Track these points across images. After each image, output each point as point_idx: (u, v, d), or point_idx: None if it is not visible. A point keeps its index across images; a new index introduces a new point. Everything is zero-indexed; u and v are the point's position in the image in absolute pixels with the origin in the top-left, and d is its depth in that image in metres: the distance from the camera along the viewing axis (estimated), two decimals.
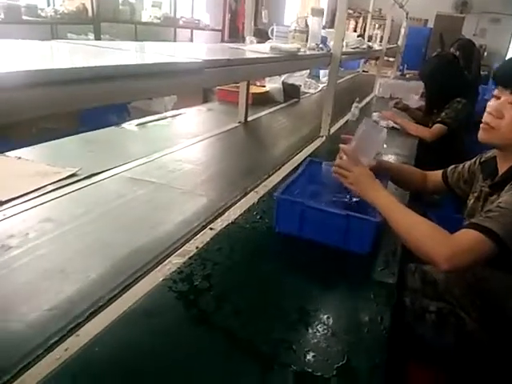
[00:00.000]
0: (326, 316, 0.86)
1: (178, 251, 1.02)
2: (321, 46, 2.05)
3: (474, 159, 1.32)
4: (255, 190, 1.47)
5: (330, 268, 1.06)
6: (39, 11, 3.32)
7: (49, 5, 3.61)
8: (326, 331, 0.82)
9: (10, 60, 0.67)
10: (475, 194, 1.23)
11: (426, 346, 1.20)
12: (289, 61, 1.50)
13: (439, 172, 1.41)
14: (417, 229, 0.98)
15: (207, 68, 0.92)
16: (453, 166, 1.38)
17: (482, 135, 1.11)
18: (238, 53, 1.34)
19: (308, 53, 1.79)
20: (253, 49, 1.51)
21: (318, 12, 1.95)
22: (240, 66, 1.08)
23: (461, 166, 1.35)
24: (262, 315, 0.84)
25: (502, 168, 1.12)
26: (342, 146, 1.18)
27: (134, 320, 0.78)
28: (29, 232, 1.02)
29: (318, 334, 0.81)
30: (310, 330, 0.82)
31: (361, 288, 0.99)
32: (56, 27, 3.65)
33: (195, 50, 1.42)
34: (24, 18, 3.16)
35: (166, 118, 2.25)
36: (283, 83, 3.20)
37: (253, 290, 0.93)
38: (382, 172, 1.26)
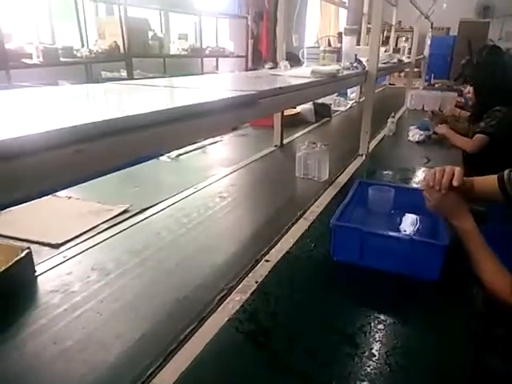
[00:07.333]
0: (406, 352, 0.81)
1: (238, 287, 0.99)
2: (355, 64, 2.03)
3: None
4: (304, 216, 1.43)
5: (399, 297, 1.00)
6: (75, 52, 3.48)
7: (83, 45, 3.78)
8: (408, 369, 0.77)
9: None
10: None
11: (498, 380, 1.10)
12: (330, 83, 1.48)
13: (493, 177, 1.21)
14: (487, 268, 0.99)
15: (261, 98, 0.91)
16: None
17: None
18: (283, 80, 1.33)
19: (345, 73, 1.77)
20: (292, 74, 1.50)
21: (351, 31, 1.94)
22: (290, 93, 1.07)
23: None
24: (338, 355, 0.79)
25: None
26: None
27: (205, 367, 0.75)
28: (90, 274, 1.02)
29: (399, 373, 0.76)
30: (393, 370, 0.76)
31: (436, 318, 0.93)
32: (90, 66, 3.81)
33: (240, 80, 1.43)
34: (61, 59, 3.31)
35: (203, 146, 2.27)
36: (314, 103, 3.19)
37: (322, 325, 0.88)
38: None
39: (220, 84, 1.24)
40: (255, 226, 1.37)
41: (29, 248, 0.98)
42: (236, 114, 0.87)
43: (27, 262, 0.98)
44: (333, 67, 1.57)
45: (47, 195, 1.44)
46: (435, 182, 1.08)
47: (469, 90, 2.50)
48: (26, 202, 1.35)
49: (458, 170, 1.08)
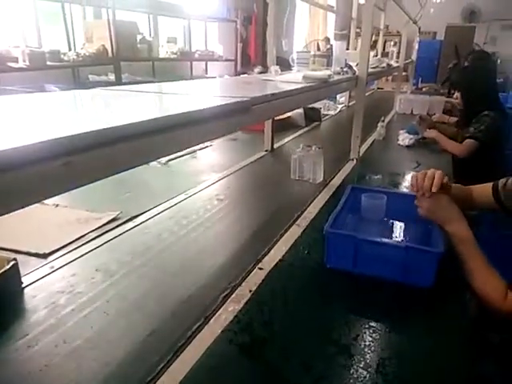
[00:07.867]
0: (401, 361, 0.80)
1: (232, 296, 0.98)
2: (345, 69, 2.03)
3: None
4: (296, 222, 1.42)
5: (393, 304, 0.99)
6: (62, 55, 3.43)
7: (70, 49, 3.73)
8: (404, 379, 0.76)
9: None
10: None
11: None
12: (321, 88, 1.47)
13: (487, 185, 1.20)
14: (479, 275, 0.98)
15: (254, 105, 0.90)
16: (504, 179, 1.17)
17: None
18: (275, 85, 1.32)
19: (335, 78, 1.77)
20: (284, 79, 1.49)
21: (341, 36, 1.94)
22: (283, 98, 1.06)
23: None
24: (335, 368, 0.78)
25: None
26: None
27: (201, 381, 0.73)
28: (80, 284, 0.99)
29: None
30: (389, 381, 0.75)
31: (430, 325, 0.93)
32: (77, 70, 3.76)
33: (232, 86, 1.41)
34: (48, 63, 3.26)
35: (193, 151, 2.25)
36: (304, 107, 3.19)
37: (317, 335, 0.87)
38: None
39: (211, 90, 1.23)
40: (250, 232, 1.35)
41: (15, 259, 0.95)
42: (229, 121, 0.85)
43: (13, 274, 0.95)
44: (324, 72, 1.57)
45: None
46: (418, 186, 1.07)
47: (457, 95, 2.53)
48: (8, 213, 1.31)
49: (438, 173, 1.06)
